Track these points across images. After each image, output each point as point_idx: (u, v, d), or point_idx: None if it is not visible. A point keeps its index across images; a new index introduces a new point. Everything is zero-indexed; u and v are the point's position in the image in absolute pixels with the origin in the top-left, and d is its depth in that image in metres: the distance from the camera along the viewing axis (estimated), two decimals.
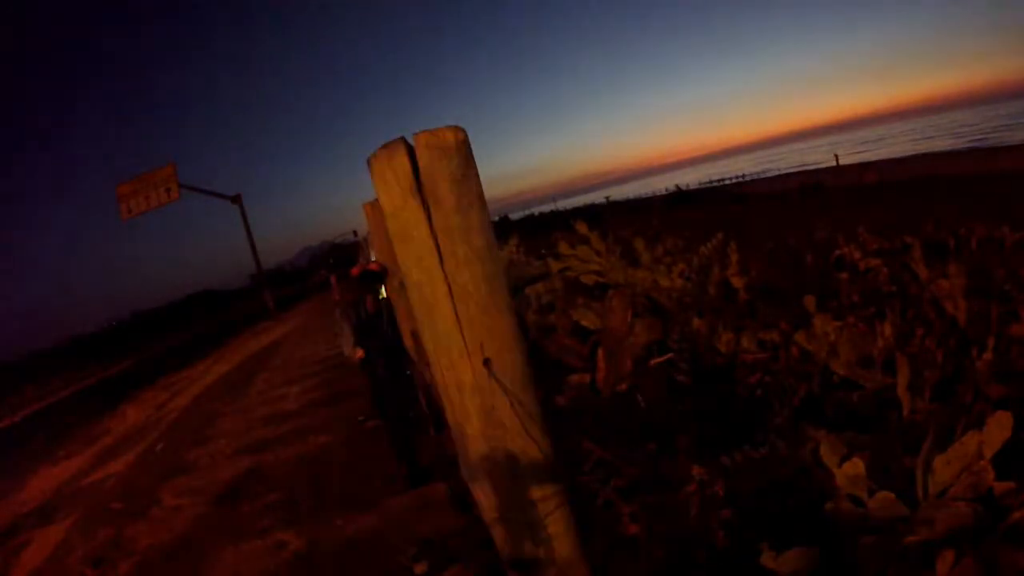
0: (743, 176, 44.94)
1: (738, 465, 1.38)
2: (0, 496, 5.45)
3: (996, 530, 0.97)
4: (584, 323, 2.28)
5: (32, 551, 3.65)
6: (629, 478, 1.52)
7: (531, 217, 34.53)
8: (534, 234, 15.18)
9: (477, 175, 1.08)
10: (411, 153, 1.03)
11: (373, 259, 3.37)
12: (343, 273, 3.32)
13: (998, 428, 0.98)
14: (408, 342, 3.39)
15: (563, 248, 2.93)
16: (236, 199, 21.40)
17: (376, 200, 1.15)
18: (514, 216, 39.42)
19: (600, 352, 1.88)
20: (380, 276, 3.19)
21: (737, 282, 2.56)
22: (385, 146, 1.04)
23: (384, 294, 3.32)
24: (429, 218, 1.03)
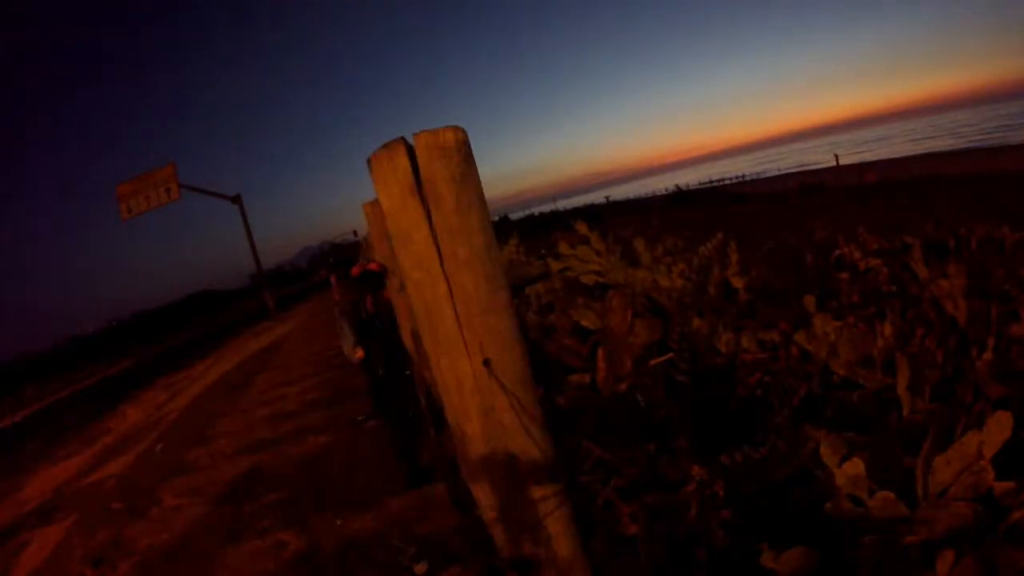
0: (743, 176, 44.96)
1: (738, 465, 1.38)
2: (0, 496, 5.45)
3: (996, 530, 0.97)
4: (584, 323, 2.28)
5: (32, 551, 3.66)
6: (629, 478, 1.52)
7: (531, 217, 34.53)
8: (534, 234, 15.18)
9: (477, 175, 1.08)
10: (411, 153, 1.03)
11: (373, 259, 3.37)
12: (343, 273, 3.32)
13: (998, 428, 0.98)
14: (408, 342, 3.38)
15: (563, 248, 2.93)
16: (236, 199, 21.40)
17: (376, 200, 1.15)
18: (514, 216, 39.44)
19: (600, 352, 1.88)
20: (380, 276, 3.19)
21: (737, 282, 2.56)
22: (385, 146, 1.04)
23: (384, 294, 3.32)
24: (429, 218, 1.03)
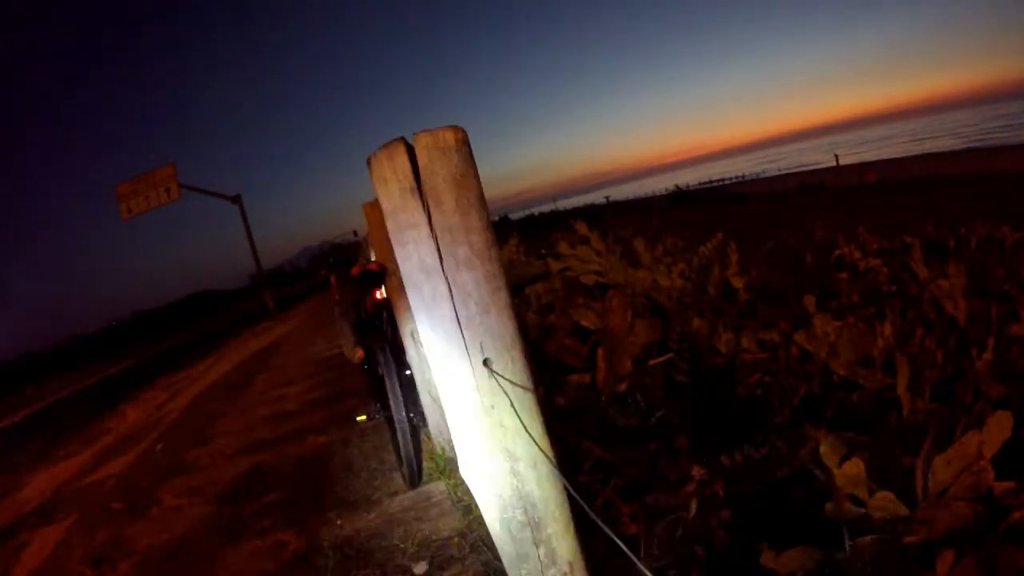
0: (743, 176, 44.98)
1: (738, 465, 1.38)
2: (0, 496, 5.45)
3: (996, 530, 0.97)
4: (584, 323, 2.28)
5: (32, 551, 3.66)
6: (629, 478, 1.52)
7: (531, 217, 34.51)
8: (534, 234, 15.17)
9: (477, 175, 1.08)
10: (411, 153, 1.03)
11: (373, 259, 3.37)
12: (343, 273, 3.31)
13: (998, 428, 0.98)
14: (408, 342, 3.38)
15: (563, 248, 2.93)
16: (236, 199, 21.40)
17: (376, 200, 1.15)
18: (514, 216, 39.43)
19: (600, 352, 1.88)
20: (380, 276, 3.18)
21: (737, 282, 2.56)
22: (385, 146, 1.05)
23: (384, 294, 3.31)
24: (429, 218, 1.03)
